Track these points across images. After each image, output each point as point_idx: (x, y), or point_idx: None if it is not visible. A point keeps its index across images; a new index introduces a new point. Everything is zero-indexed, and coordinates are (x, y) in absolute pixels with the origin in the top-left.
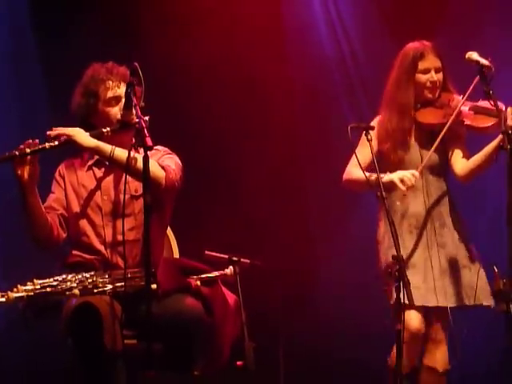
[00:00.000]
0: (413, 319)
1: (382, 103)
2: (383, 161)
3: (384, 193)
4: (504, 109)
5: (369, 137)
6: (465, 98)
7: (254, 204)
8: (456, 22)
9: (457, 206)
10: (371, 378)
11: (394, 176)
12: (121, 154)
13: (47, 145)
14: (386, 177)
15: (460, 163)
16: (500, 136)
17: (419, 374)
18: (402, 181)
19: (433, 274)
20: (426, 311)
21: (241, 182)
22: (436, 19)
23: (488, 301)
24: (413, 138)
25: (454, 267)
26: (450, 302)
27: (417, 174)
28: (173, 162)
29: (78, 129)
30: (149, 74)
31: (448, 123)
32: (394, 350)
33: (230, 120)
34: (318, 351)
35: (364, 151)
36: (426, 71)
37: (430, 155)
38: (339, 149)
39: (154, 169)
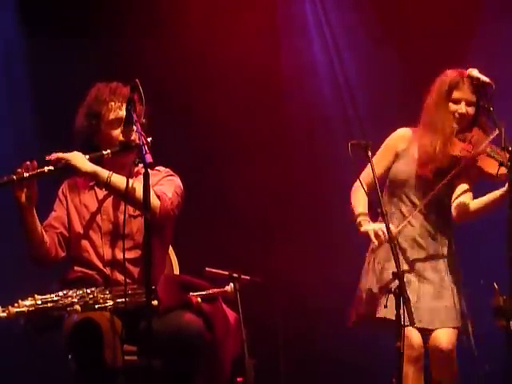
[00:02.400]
0: (414, 337)
1: (422, 127)
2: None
3: (385, 209)
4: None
5: (369, 154)
6: (488, 140)
7: (254, 221)
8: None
9: (453, 228)
10: None
11: (370, 228)
12: (118, 180)
13: (46, 169)
14: (364, 227)
15: (459, 204)
16: (503, 188)
17: None
18: (376, 235)
19: (427, 293)
20: (429, 330)
21: (241, 198)
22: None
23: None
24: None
25: (448, 288)
26: (446, 323)
27: (384, 229)
28: (172, 186)
29: (76, 153)
30: (148, 90)
31: (467, 159)
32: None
33: (227, 139)
34: (319, 367)
35: (381, 165)
36: (458, 101)
37: (434, 194)
38: (334, 162)
39: (150, 199)
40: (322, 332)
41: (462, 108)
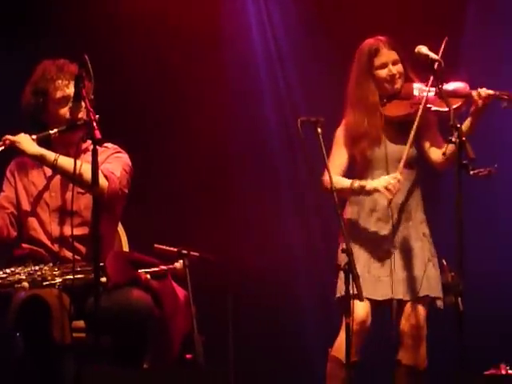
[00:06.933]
0: (360, 310)
1: (347, 105)
2: (353, 161)
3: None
4: (468, 89)
5: (318, 131)
6: (429, 84)
7: (202, 196)
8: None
9: (425, 199)
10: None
11: (379, 185)
12: (65, 163)
13: None
14: (369, 185)
15: (435, 151)
16: (468, 120)
17: (397, 374)
18: (387, 189)
19: (397, 266)
20: (401, 307)
21: (188, 173)
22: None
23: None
24: (383, 135)
25: (417, 261)
26: (414, 295)
27: (399, 176)
28: (120, 164)
29: (23, 135)
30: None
31: (419, 112)
32: (337, 341)
33: (166, 118)
34: (268, 344)
35: (339, 153)
36: (384, 66)
37: (408, 150)
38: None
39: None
40: (271, 308)
41: (392, 69)
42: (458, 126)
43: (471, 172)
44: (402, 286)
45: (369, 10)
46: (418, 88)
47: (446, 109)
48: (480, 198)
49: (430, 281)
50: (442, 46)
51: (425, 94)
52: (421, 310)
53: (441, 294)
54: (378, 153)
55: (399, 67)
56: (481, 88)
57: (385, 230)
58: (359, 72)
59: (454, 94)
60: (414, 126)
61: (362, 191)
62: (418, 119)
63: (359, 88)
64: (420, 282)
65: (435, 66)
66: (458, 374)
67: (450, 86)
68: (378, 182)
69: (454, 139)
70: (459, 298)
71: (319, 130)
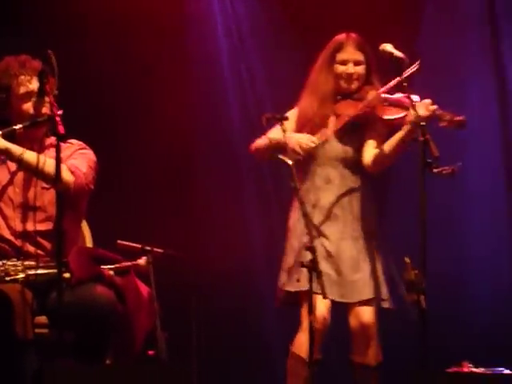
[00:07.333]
0: (321, 308)
1: (304, 90)
2: None
3: (298, 184)
4: (419, 100)
5: (283, 127)
6: (382, 90)
7: (167, 193)
8: None
9: (371, 200)
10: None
11: (293, 140)
12: (31, 157)
13: None
14: (285, 137)
15: (369, 152)
16: (405, 127)
17: (353, 372)
18: (295, 148)
19: (345, 267)
20: (350, 305)
21: (153, 172)
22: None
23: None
24: (331, 130)
25: (366, 260)
26: (364, 295)
27: (315, 139)
28: (85, 160)
29: None
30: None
31: (357, 111)
32: (297, 338)
33: (131, 116)
34: (231, 341)
35: (276, 131)
36: (344, 62)
37: (329, 135)
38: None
39: (64, 174)
40: (234, 307)
41: (350, 69)
42: (423, 124)
43: (435, 170)
44: (351, 288)
45: (334, 9)
46: (373, 93)
47: (389, 116)
48: (442, 197)
49: (377, 282)
50: (414, 67)
51: (375, 97)
52: (368, 309)
53: (387, 296)
54: (324, 149)
55: (360, 69)
56: (426, 101)
57: (330, 227)
58: (322, 62)
59: (399, 104)
60: (346, 118)
61: (279, 146)
62: (355, 113)
63: (318, 76)
64: (367, 283)
65: (400, 64)
66: (420, 373)
67: (396, 96)
68: (296, 137)
69: (418, 137)
70: (422, 296)
71: (284, 126)
